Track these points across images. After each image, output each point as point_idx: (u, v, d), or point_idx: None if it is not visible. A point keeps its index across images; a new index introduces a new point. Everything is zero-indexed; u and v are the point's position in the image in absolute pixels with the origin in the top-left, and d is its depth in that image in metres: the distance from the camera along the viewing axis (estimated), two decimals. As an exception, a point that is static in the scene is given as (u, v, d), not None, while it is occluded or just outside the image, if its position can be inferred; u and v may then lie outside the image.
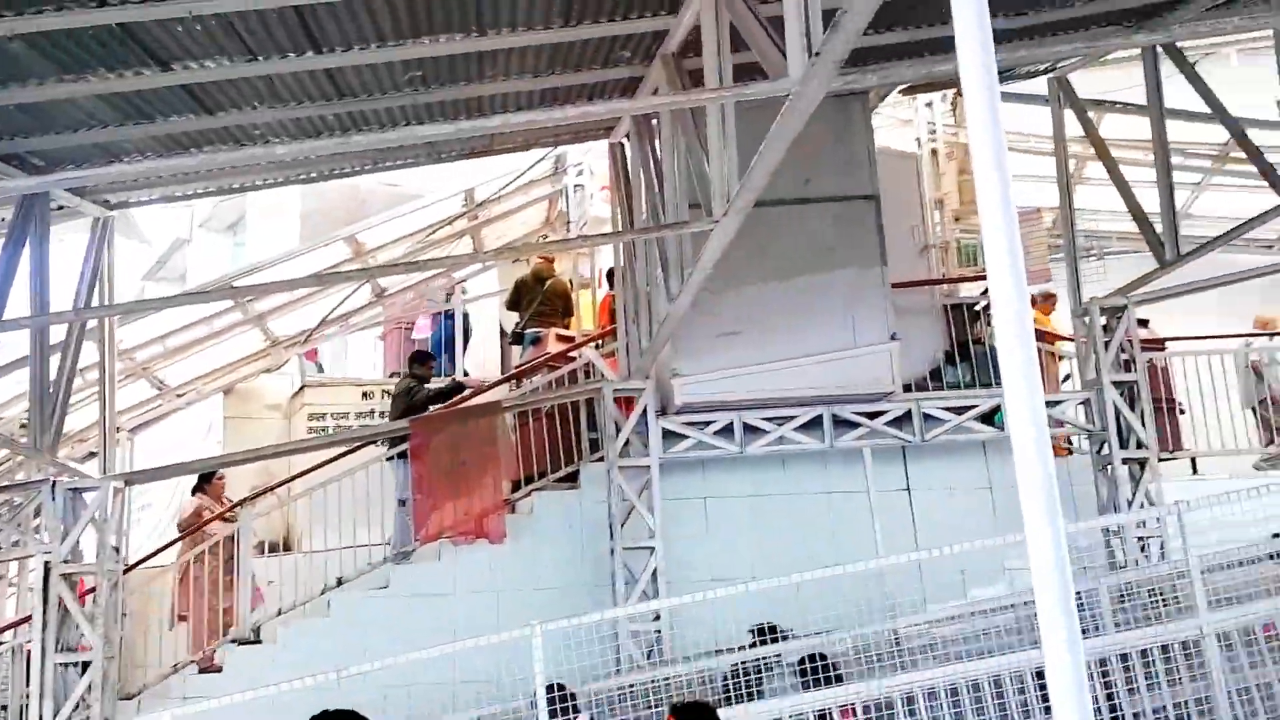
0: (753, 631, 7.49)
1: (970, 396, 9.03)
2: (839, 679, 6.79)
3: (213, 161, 6.14)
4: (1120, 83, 10.71)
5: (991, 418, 8.97)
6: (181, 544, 9.40)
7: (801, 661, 6.93)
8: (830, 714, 6.48)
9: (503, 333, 13.69)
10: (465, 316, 13.14)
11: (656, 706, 7.13)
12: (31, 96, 5.95)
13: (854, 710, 6.53)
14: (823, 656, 6.93)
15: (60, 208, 8.05)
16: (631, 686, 7.19)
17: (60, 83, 5.85)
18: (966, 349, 9.50)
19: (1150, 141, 8.71)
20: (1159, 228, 8.55)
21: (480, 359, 13.53)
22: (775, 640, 7.37)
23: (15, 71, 5.72)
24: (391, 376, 13.25)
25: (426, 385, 10.14)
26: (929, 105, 12.35)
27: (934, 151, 12.26)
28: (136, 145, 6.91)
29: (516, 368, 11.39)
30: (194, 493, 9.82)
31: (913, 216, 10.12)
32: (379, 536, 9.34)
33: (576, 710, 6.92)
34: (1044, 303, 11.17)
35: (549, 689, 6.98)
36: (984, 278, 10.96)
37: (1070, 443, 9.87)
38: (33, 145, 6.76)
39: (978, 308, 10.09)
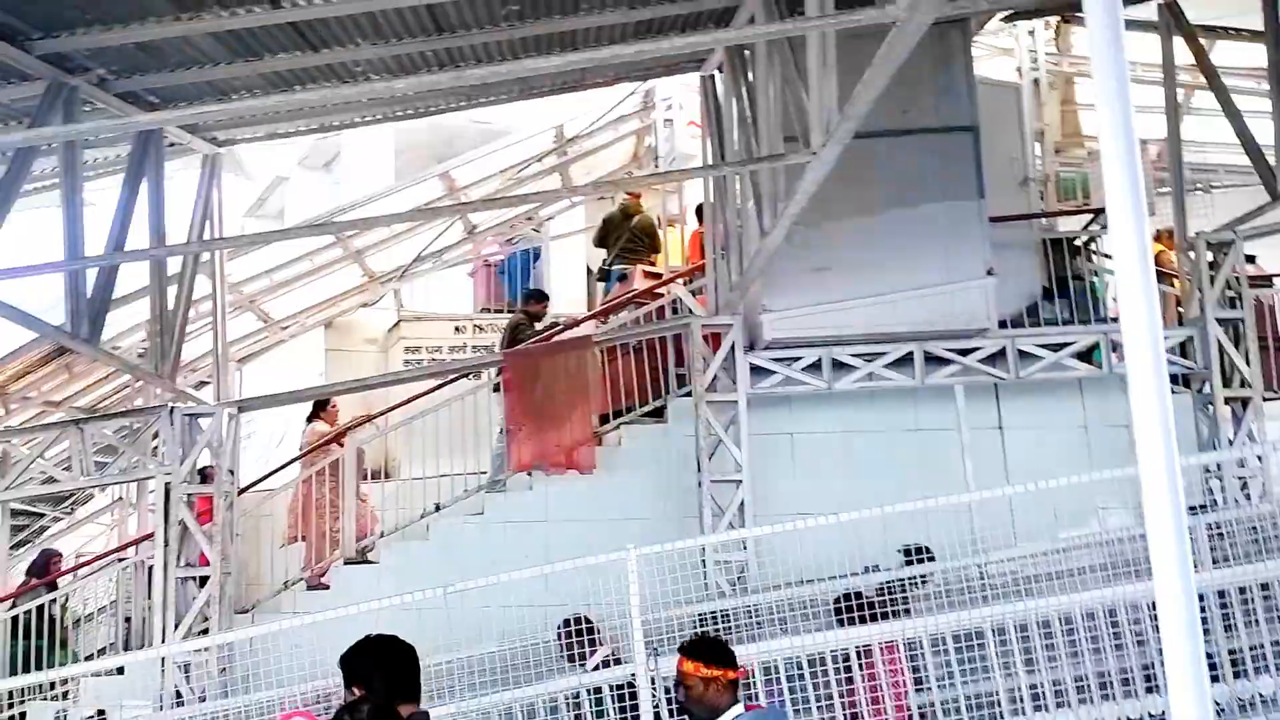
0: (903, 551, 7.52)
1: (1068, 333, 8.85)
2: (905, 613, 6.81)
3: (334, 96, 6.26)
4: (1233, 8, 10.21)
5: (1089, 355, 8.80)
6: (300, 466, 9.76)
7: (846, 597, 6.94)
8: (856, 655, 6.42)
9: (589, 270, 13.78)
10: (533, 253, 13.29)
11: (738, 631, 7.27)
12: (150, 35, 6.13)
13: (895, 646, 6.51)
14: (858, 595, 6.92)
15: (172, 145, 8.32)
16: (719, 612, 7.34)
17: (176, 21, 6.01)
18: (1065, 285, 9.30)
19: (1264, 70, 8.32)
20: (1271, 160, 8.20)
21: (566, 296, 13.69)
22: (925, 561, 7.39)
23: (135, 9, 5.89)
24: (482, 312, 13.51)
25: (536, 324, 10.30)
26: (1031, 33, 11.95)
27: (1035, 81, 11.88)
28: (245, 83, 7.08)
29: (603, 304, 11.49)
30: (309, 420, 10.15)
31: (1012, 148, 9.87)
32: (473, 466, 9.59)
33: (595, 644, 7.11)
34: (1167, 238, 10.83)
35: (567, 622, 7.20)
36: (1085, 211, 10.78)
37: (1174, 382, 9.63)
38: (149, 83, 6.97)
39: (1078, 242, 9.85)
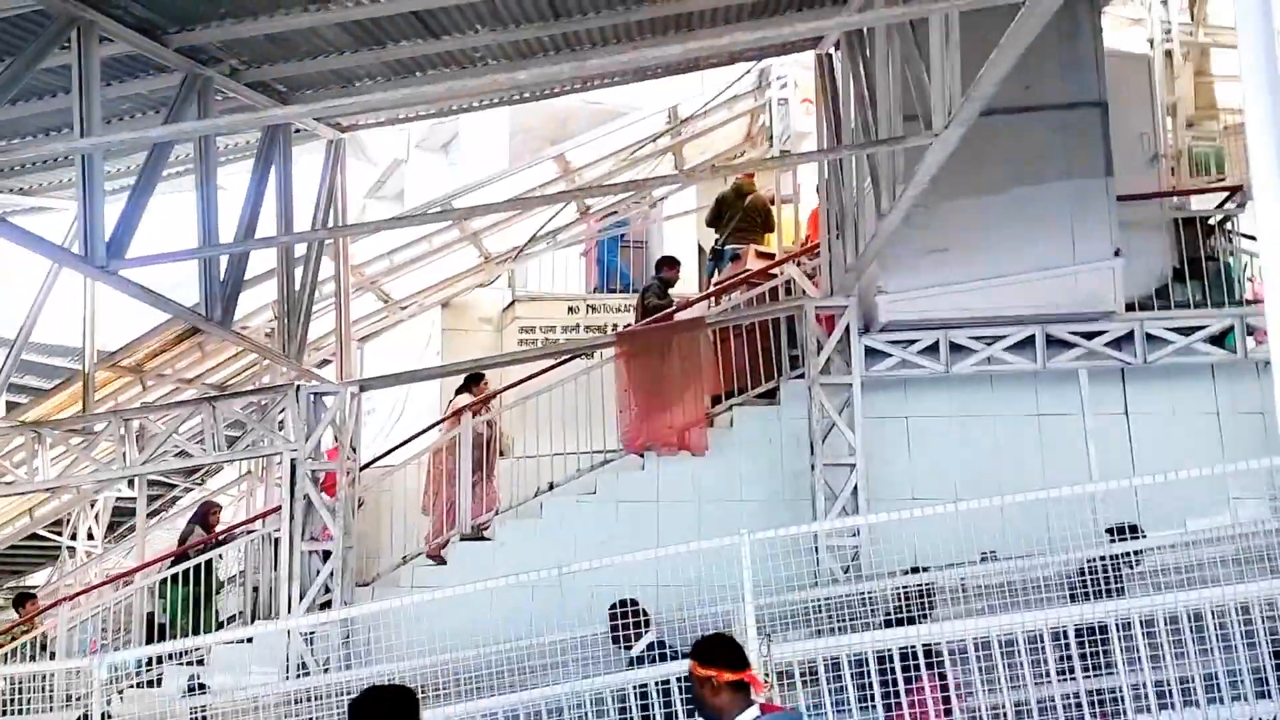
0: (1110, 531, 7.40)
1: (1200, 316, 8.52)
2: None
3: (457, 88, 6.41)
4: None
5: (1222, 339, 8.44)
6: (441, 434, 9.94)
7: (901, 595, 6.78)
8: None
9: (701, 250, 13.76)
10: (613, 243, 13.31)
11: (851, 620, 7.21)
12: (279, 27, 6.36)
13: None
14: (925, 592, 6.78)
15: (299, 131, 8.60)
16: (831, 599, 7.29)
17: (305, 12, 6.22)
18: (1198, 266, 8.93)
19: None
20: None
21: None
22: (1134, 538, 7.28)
23: (266, 3, 6.11)
24: (594, 292, 13.63)
25: (670, 290, 10.41)
26: (1164, 2, 11.43)
27: (1168, 53, 11.38)
28: (368, 70, 7.28)
29: (716, 284, 11.46)
30: (458, 393, 10.37)
31: (1142, 123, 9.48)
32: (585, 445, 9.70)
33: (646, 626, 7.12)
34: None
35: (616, 605, 7.21)
36: (1220, 189, 10.29)
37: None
38: (278, 73, 7.23)
39: (1212, 221, 9.42)
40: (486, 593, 7.21)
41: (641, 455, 9.08)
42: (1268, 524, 7.09)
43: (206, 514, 11.33)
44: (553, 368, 10.03)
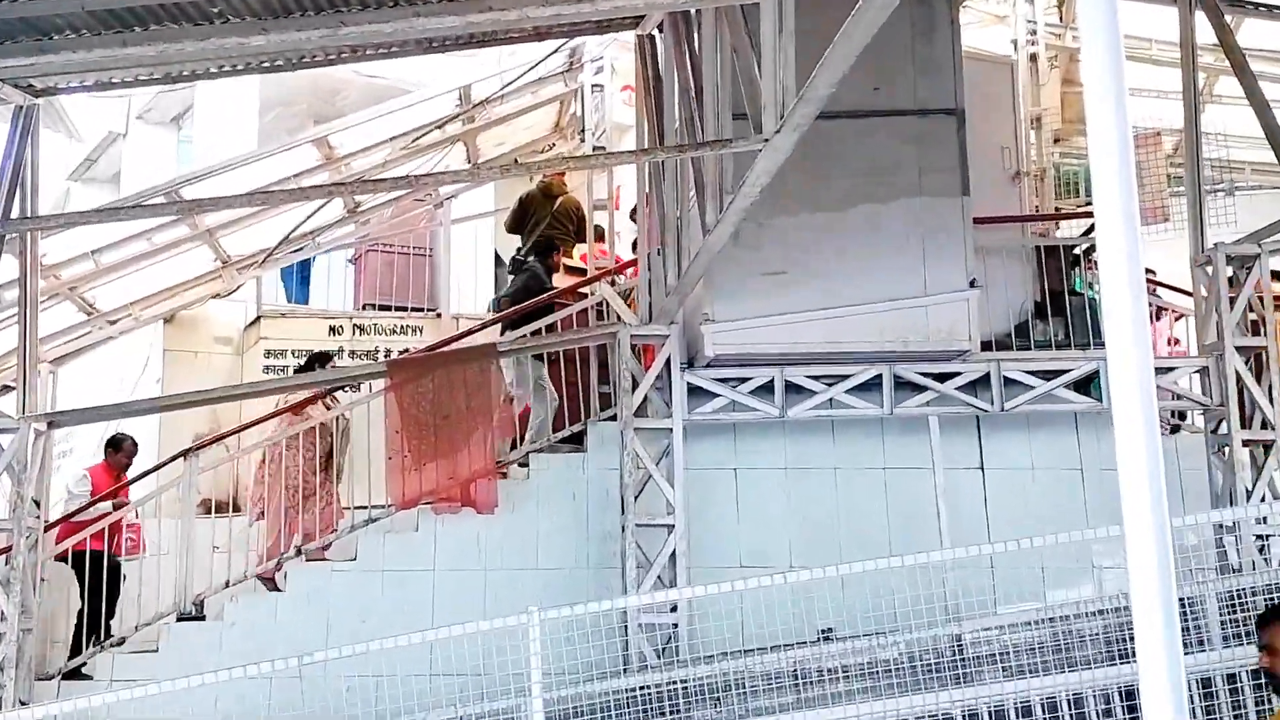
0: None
1: (1063, 359, 9.09)
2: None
3: (175, 52, 6.17)
4: (1265, -19, 10.58)
5: (1087, 386, 9.02)
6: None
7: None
8: None
9: (498, 260, 13.76)
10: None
11: (671, 713, 7.30)
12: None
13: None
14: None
15: (-25, 93, 8.13)
16: (642, 688, 7.37)
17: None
18: (1061, 301, 9.52)
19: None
20: (1304, 160, 8.51)
21: (466, 292, 13.67)
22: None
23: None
24: (363, 309, 13.42)
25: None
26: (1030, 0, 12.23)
27: (1033, 57, 12.16)
28: (69, 21, 6.94)
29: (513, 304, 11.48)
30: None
31: (1004, 136, 10.11)
32: (345, 499, 9.51)
33: None
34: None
35: None
36: (1087, 214, 11.04)
37: (1181, 418, 9.90)
38: (-55, 18, 6.80)
39: (1078, 250, 10.08)
40: (210, 687, 6.94)
41: (416, 512, 8.98)
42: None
43: None
44: (307, 403, 9.79)
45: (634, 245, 10.68)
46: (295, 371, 10.35)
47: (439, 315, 13.09)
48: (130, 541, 9.61)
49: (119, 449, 10.06)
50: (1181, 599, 6.21)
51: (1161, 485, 2.37)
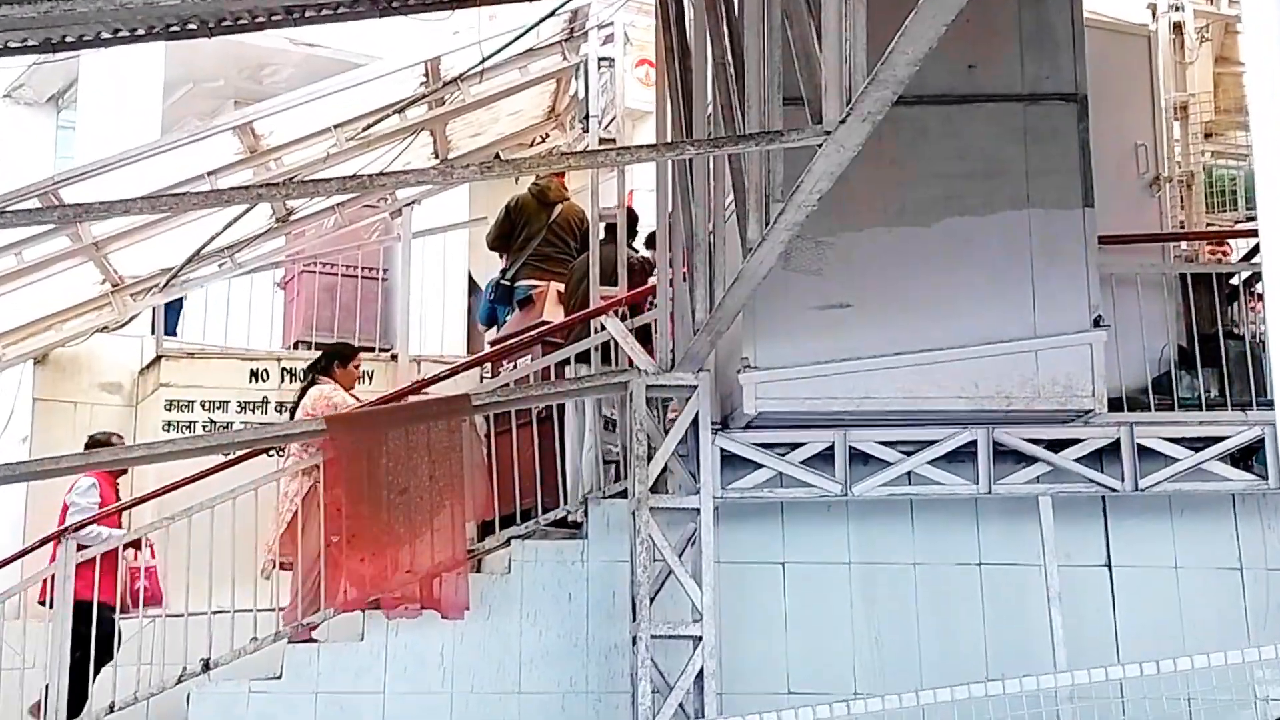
0: None
1: (1218, 423, 9.09)
2: None
3: (62, 12, 6.24)
4: None
5: (1249, 459, 9.02)
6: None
7: None
8: None
9: (473, 285, 13.82)
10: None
11: None
12: None
13: None
14: None
15: None
16: None
17: None
18: (1215, 346, 9.52)
19: None
20: None
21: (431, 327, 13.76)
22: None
23: None
24: (295, 347, 13.48)
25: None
26: (1173, -47, 12.29)
27: (1177, 28, 12.19)
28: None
29: (494, 343, 11.51)
30: (309, 385, 10.33)
31: (1138, 130, 10.12)
32: (268, 599, 9.52)
33: None
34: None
35: None
36: (1250, 232, 11.02)
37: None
38: None
39: (1237, 280, 10.07)
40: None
41: (361, 615, 8.98)
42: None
43: None
44: (219, 468, 9.83)
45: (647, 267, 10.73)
46: (307, 382, 10.53)
47: (394, 357, 13.15)
48: (146, 590, 9.78)
49: (346, 361, 10.40)
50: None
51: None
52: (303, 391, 10.38)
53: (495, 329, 12.17)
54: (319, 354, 10.89)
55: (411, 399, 10.24)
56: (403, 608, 8.98)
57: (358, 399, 10.39)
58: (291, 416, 10.46)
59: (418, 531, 8.98)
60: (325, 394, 10.12)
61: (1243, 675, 8.16)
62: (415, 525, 8.98)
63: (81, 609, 9.20)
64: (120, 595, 9.63)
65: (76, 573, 9.25)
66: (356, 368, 10.77)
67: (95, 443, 10.50)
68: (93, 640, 9.17)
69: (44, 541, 9.83)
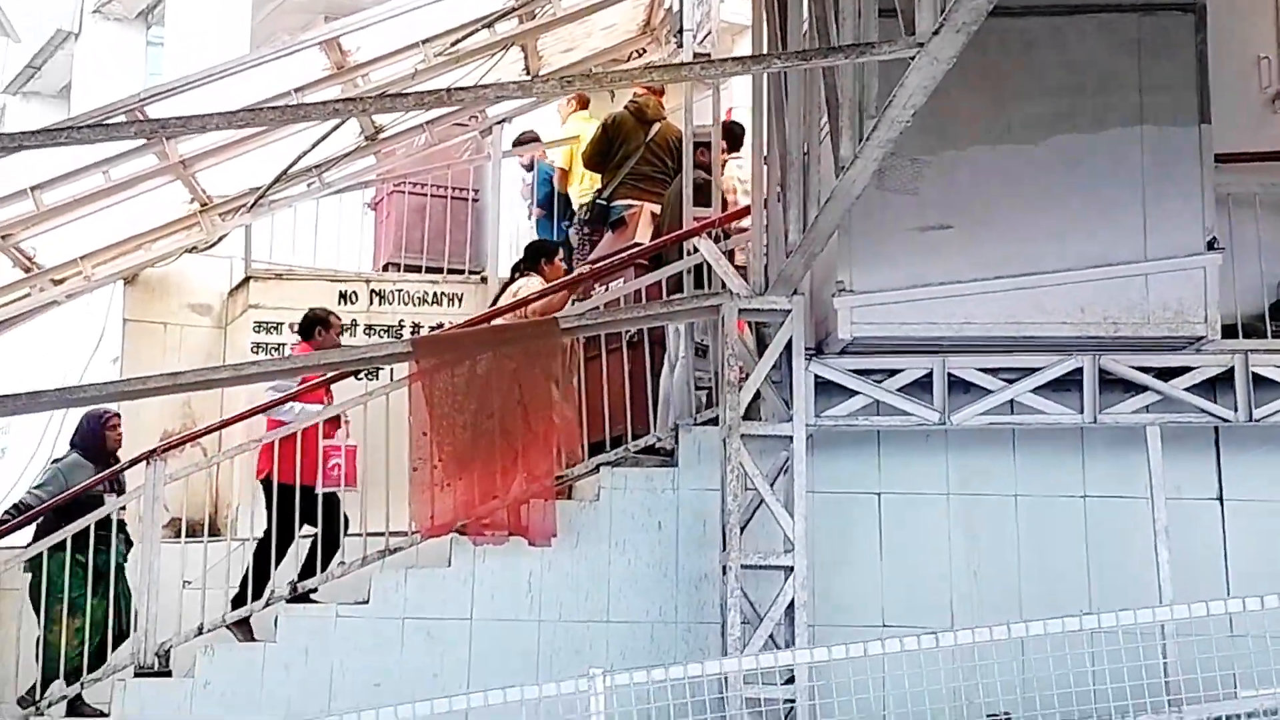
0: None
1: (1338, 349, 8.92)
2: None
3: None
4: None
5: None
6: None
7: None
8: None
9: (569, 206, 13.81)
10: None
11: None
12: None
13: None
14: None
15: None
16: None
17: None
18: (1337, 270, 9.37)
19: None
20: None
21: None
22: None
23: None
24: (385, 269, 13.57)
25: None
26: None
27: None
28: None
29: (589, 263, 11.52)
30: (516, 277, 10.66)
31: (1260, 41, 9.90)
32: (355, 525, 9.64)
33: None
34: None
35: None
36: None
37: None
38: None
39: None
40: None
41: (449, 541, 9.09)
42: None
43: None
44: (308, 390, 9.95)
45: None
46: (514, 275, 10.79)
47: (484, 280, 13.18)
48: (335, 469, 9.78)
49: (328, 327, 10.49)
50: None
51: None
52: (504, 287, 10.70)
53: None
54: (525, 252, 11.12)
55: (500, 321, 10.26)
56: (490, 534, 9.05)
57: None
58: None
59: (505, 458, 9.04)
60: (532, 287, 10.35)
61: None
62: (502, 452, 9.04)
63: (285, 491, 9.55)
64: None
65: (279, 454, 9.61)
66: (561, 263, 10.99)
67: (313, 319, 10.63)
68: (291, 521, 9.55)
69: (253, 412, 10.09)
